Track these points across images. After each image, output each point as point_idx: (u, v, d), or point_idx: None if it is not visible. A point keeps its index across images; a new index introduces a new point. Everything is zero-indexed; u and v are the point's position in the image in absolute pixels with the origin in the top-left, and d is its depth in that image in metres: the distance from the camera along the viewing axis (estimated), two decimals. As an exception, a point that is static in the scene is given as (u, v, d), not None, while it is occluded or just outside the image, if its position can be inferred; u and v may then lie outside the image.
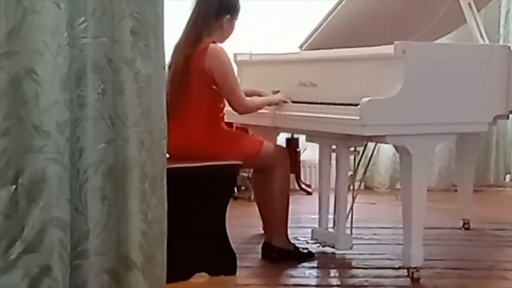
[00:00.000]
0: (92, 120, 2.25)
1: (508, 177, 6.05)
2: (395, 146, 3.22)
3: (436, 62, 3.13)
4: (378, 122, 3.01)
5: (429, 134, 3.14)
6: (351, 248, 3.55)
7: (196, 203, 3.17)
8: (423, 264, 3.20)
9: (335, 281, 3.38)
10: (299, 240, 3.77)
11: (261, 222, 3.84)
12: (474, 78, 3.24)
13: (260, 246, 3.60)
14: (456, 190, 4.42)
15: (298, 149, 5.42)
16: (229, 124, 3.65)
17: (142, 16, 2.30)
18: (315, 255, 3.59)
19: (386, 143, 3.19)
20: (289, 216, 3.58)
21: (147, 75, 2.33)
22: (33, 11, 2.08)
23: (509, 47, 3.44)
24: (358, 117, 3.00)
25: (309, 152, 5.44)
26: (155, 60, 2.35)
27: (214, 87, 3.37)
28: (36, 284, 2.11)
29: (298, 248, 3.58)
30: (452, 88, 3.16)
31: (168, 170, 2.47)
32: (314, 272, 3.42)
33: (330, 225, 3.67)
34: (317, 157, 3.80)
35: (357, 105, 3.02)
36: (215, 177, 3.22)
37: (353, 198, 3.67)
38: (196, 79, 3.35)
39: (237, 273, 3.28)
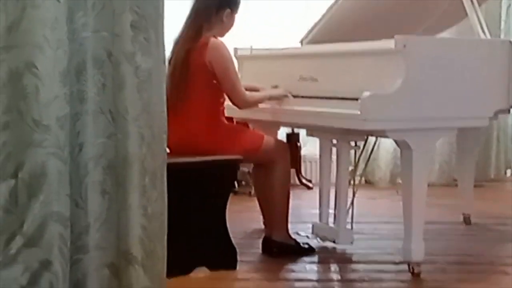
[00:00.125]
0: (92, 115, 2.25)
1: (508, 172, 6.06)
2: (395, 141, 3.22)
3: (437, 57, 3.12)
4: (378, 117, 3.01)
5: (430, 129, 3.14)
6: (352, 243, 3.55)
7: (196, 198, 3.17)
8: (423, 259, 3.20)
9: (335, 276, 3.38)
10: (299, 235, 3.77)
11: (261, 217, 3.84)
12: (475, 72, 3.23)
13: (261, 241, 3.60)
14: (456, 185, 4.41)
15: (298, 144, 5.41)
16: (230, 119, 3.65)
17: (142, 10, 2.29)
18: (316, 250, 3.59)
19: (387, 137, 3.19)
20: (290, 211, 3.58)
21: (147, 70, 2.32)
22: (33, 5, 2.07)
23: (510, 42, 3.43)
24: (358, 112, 2.99)
25: (309, 147, 5.43)
26: (155, 55, 2.35)
27: (214, 81, 3.37)
28: (36, 279, 2.11)
29: (298, 243, 3.58)
30: (453, 83, 3.16)
31: (168, 164, 2.47)
32: (314, 267, 3.42)
33: (331, 220, 3.66)
34: (317, 152, 3.80)
35: (357, 99, 3.01)
36: (215, 171, 3.22)
37: (354, 193, 3.67)
38: (197, 73, 3.34)
39: (238, 267, 3.28)
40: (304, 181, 5.54)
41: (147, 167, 2.34)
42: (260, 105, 3.55)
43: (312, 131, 3.70)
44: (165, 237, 2.44)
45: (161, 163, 2.41)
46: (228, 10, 3.46)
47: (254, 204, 3.91)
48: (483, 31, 3.47)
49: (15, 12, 2.06)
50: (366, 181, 5.57)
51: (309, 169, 5.70)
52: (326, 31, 3.86)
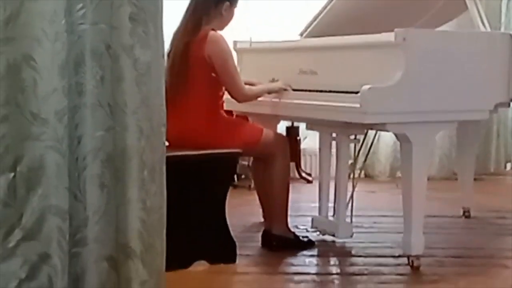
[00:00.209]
0: (91, 108, 2.24)
1: (508, 165, 6.06)
2: (395, 134, 3.22)
3: (437, 50, 3.12)
4: (378, 110, 3.00)
5: (430, 122, 3.13)
6: (351, 236, 3.55)
7: (195, 192, 3.17)
8: (423, 252, 3.20)
9: (335, 269, 3.38)
10: (299, 228, 3.78)
11: (261, 210, 3.84)
12: (475, 65, 3.22)
13: (260, 234, 3.60)
14: (456, 179, 4.41)
15: (298, 138, 5.41)
16: (229, 112, 3.64)
17: (141, 3, 2.28)
18: (315, 243, 3.59)
19: (387, 131, 3.19)
20: (289, 205, 3.58)
21: (146, 62, 2.31)
22: (31, -3, 2.06)
23: (511, 35, 3.43)
24: (358, 105, 2.99)
25: (309, 140, 5.43)
26: (154, 47, 2.34)
27: (213, 74, 3.36)
28: (35, 272, 2.11)
29: (298, 236, 3.58)
30: (453, 76, 3.15)
31: (167, 158, 2.46)
32: (314, 260, 3.42)
33: (330, 213, 3.66)
34: (317, 146, 3.79)
35: (357, 92, 3.01)
36: (214, 165, 3.21)
37: (353, 187, 3.66)
38: (196, 66, 3.34)
39: (237, 261, 3.28)
40: (303, 174, 5.54)
41: (146, 160, 2.33)
42: (260, 98, 3.54)
43: (312, 124, 3.70)
44: (164, 230, 2.43)
45: (160, 157, 2.41)
46: (227, 4, 3.45)
47: (254, 198, 3.91)
48: (483, 24, 3.46)
49: (14, 4, 2.05)
50: (365, 175, 5.57)
51: (308, 163, 5.70)
52: (326, 25, 3.85)
